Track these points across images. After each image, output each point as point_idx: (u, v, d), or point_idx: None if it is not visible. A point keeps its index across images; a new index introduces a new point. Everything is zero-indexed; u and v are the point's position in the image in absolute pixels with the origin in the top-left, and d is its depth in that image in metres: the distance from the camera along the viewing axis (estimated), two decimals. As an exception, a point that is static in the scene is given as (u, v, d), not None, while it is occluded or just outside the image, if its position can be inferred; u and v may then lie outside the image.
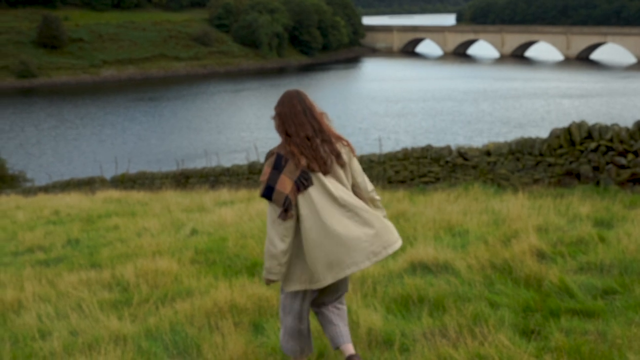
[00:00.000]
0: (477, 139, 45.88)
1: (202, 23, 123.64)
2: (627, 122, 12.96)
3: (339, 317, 4.20)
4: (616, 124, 10.64)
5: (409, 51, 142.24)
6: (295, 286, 4.01)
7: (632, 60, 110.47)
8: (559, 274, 5.48)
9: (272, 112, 4.09)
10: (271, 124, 4.14)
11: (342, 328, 4.17)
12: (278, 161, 3.91)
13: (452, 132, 53.78)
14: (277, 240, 3.90)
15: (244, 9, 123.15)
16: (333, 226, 3.87)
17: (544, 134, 14.12)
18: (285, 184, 3.85)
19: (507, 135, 46.43)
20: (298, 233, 3.96)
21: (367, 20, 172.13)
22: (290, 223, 3.89)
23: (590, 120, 11.51)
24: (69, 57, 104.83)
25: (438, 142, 38.93)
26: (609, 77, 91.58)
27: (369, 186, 4.18)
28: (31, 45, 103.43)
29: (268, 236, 3.94)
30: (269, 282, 4.05)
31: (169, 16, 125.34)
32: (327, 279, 3.91)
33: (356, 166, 4.12)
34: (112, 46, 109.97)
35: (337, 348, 4.17)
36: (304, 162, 3.88)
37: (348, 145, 4.10)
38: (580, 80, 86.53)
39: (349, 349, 4.09)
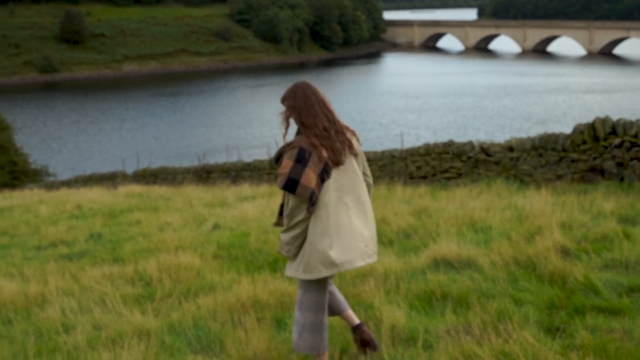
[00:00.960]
0: (498, 135, 45.61)
1: (223, 18, 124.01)
2: (652, 117, 12.78)
3: (334, 288, 4.39)
4: (641, 120, 10.54)
5: (430, 46, 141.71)
6: (292, 272, 4.09)
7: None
8: (584, 271, 5.43)
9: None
10: (291, 120, 4.11)
11: (340, 296, 4.39)
12: (302, 154, 3.90)
13: (473, 128, 53.51)
14: (294, 224, 3.98)
15: (264, 4, 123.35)
16: (338, 223, 3.96)
17: (566, 129, 13.98)
18: (310, 178, 3.87)
19: (529, 130, 46.14)
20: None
21: (388, 15, 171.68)
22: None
23: (614, 116, 11.39)
24: (91, 52, 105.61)
25: (459, 137, 38.74)
26: (632, 72, 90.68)
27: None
28: (54, 41, 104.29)
29: (287, 218, 4.00)
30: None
31: (190, 11, 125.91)
32: (321, 273, 3.98)
33: (363, 155, 4.25)
34: (134, 41, 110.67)
35: (333, 315, 4.36)
36: (325, 154, 3.91)
37: (355, 135, 4.19)
38: (603, 76, 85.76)
39: (354, 317, 4.31)
